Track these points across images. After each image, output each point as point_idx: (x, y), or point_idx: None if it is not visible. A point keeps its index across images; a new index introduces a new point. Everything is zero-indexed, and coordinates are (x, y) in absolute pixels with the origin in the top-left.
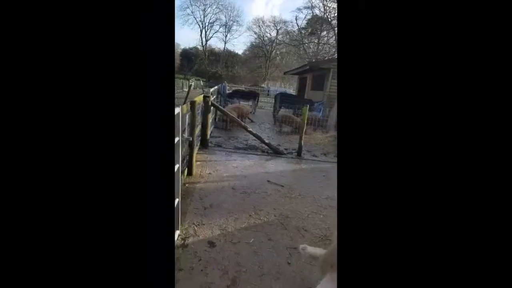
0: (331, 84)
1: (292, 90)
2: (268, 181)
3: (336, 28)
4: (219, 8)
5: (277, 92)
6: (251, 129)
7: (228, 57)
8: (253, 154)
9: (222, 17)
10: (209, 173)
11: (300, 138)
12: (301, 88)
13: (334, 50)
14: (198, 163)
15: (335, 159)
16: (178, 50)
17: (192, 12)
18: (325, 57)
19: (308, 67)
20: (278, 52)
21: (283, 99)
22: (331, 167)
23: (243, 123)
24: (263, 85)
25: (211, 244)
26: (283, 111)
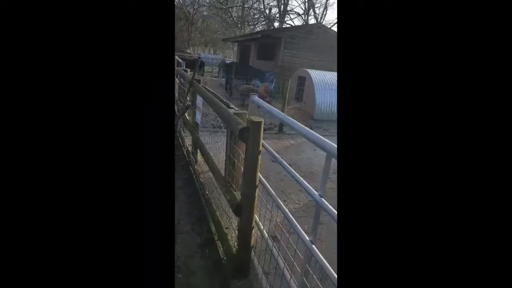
0: (284, 54)
1: (228, 59)
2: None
3: None
4: None
5: (221, 61)
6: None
7: None
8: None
9: None
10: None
11: (282, 111)
12: (243, 57)
13: (260, 15)
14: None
15: (322, 132)
16: None
17: None
18: (253, 22)
19: (260, 36)
20: (199, 15)
21: (230, 69)
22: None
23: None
24: (188, 51)
25: None
26: (245, 85)
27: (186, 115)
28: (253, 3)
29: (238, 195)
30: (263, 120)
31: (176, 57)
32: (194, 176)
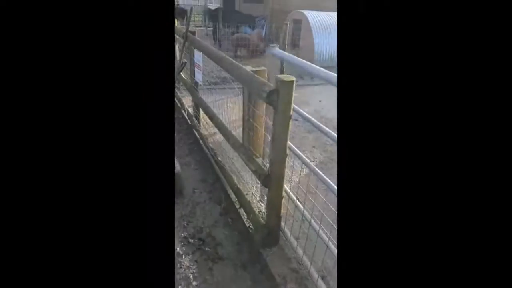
0: None
1: (211, 4)
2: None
3: None
4: None
5: (204, 8)
6: None
7: None
8: (232, 88)
9: None
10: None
11: None
12: (228, 1)
13: None
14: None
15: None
16: None
17: None
18: None
19: None
20: None
21: (216, 16)
22: (324, 89)
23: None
24: None
25: None
26: (237, 34)
27: (182, 73)
28: None
29: (262, 163)
30: (295, 80)
31: None
32: (200, 141)
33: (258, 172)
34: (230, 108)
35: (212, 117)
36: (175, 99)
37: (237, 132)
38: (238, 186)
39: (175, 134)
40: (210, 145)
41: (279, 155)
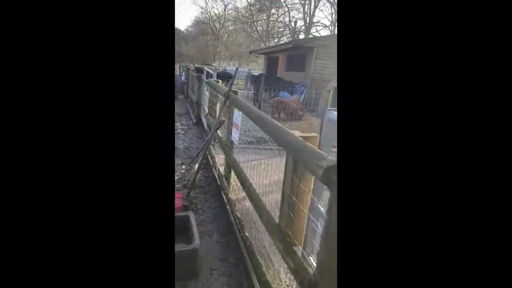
0: (315, 65)
1: (254, 71)
2: None
3: (286, 5)
4: None
5: (247, 73)
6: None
7: None
8: (266, 149)
9: None
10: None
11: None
12: (271, 68)
13: (284, 28)
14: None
15: None
16: None
17: None
18: (278, 35)
19: (290, 46)
20: (225, 30)
21: (259, 80)
22: None
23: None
24: (214, 65)
25: None
26: (277, 98)
27: (218, 131)
28: (278, 17)
29: (303, 256)
30: None
31: (206, 68)
32: (227, 207)
33: (299, 274)
34: (264, 171)
35: (244, 182)
36: (208, 156)
37: (269, 200)
38: (267, 277)
39: (202, 195)
40: (238, 214)
41: (333, 254)
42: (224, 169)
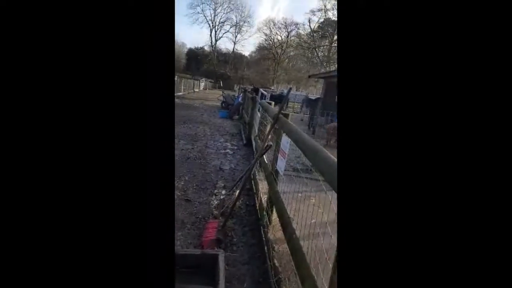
0: None
1: (312, 95)
2: None
3: None
4: (230, 8)
5: (305, 97)
6: None
7: (234, 58)
8: (316, 179)
9: (233, 16)
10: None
11: None
12: (329, 93)
13: None
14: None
15: None
16: (184, 49)
17: (202, 10)
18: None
19: None
20: (286, 56)
21: (316, 104)
22: None
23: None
24: (272, 88)
25: None
26: (334, 123)
27: (264, 156)
28: None
29: None
30: None
31: (262, 89)
32: (265, 248)
33: None
34: (311, 206)
35: (285, 226)
36: (252, 182)
37: (315, 244)
38: None
39: (240, 227)
40: (276, 261)
41: None
42: (266, 202)
